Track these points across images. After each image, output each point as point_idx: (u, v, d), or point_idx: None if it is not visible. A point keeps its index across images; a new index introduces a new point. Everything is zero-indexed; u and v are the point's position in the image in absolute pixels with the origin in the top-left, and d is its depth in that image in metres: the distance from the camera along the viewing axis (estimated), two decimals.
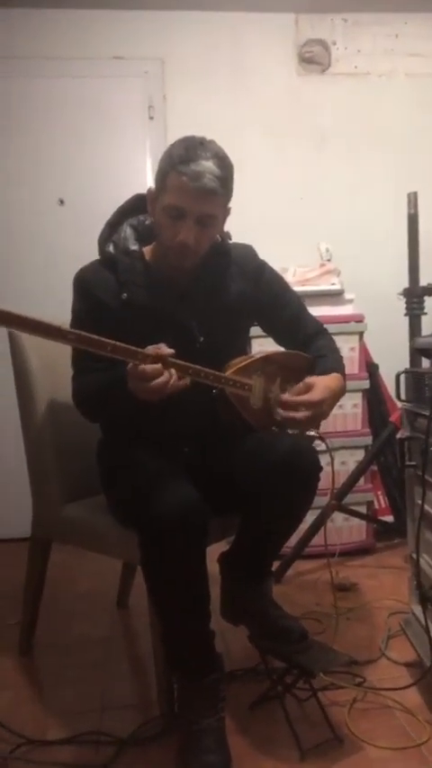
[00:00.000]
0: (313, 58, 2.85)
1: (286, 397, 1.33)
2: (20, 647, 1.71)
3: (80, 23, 2.68)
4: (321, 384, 1.34)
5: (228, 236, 1.49)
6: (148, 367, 1.17)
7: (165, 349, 1.20)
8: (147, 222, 1.42)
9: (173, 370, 1.19)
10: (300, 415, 1.30)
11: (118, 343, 1.16)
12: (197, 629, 1.26)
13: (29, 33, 2.65)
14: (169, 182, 1.29)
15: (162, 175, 1.31)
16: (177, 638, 1.28)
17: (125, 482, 1.33)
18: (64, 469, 1.62)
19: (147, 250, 1.42)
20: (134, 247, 1.40)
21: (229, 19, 2.76)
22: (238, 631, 1.52)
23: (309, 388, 1.33)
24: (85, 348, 1.16)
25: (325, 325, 1.58)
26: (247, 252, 1.51)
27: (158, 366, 1.18)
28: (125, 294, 1.36)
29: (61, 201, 2.72)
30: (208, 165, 1.26)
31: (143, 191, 1.41)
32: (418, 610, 1.53)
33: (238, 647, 1.62)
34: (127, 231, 1.42)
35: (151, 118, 2.74)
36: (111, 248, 1.40)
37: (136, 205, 1.44)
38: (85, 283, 1.39)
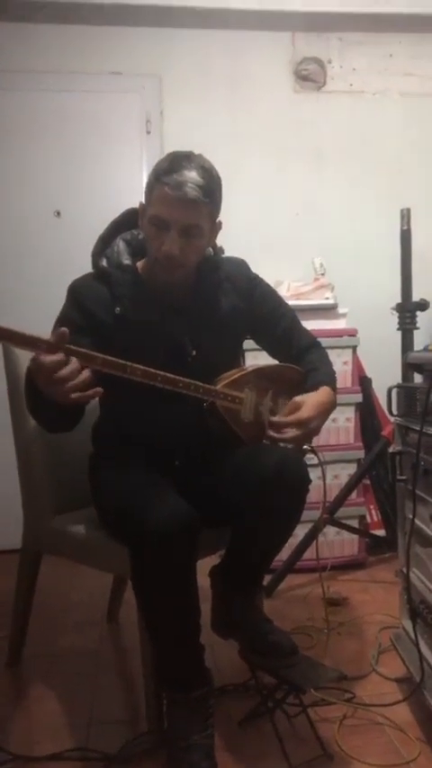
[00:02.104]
0: (309, 76, 2.90)
1: (275, 419, 1.34)
2: (8, 660, 1.69)
3: (78, 39, 2.71)
4: (310, 401, 1.35)
5: (221, 250, 1.50)
6: (47, 358, 1.08)
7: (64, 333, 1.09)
8: (140, 236, 1.43)
9: (73, 359, 1.10)
10: (289, 435, 1.31)
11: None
12: (187, 643, 1.25)
13: (26, 48, 2.68)
14: (154, 193, 1.30)
15: (149, 188, 1.33)
16: (167, 652, 1.27)
17: (116, 495, 1.33)
18: (55, 481, 1.61)
19: (140, 264, 1.42)
20: (127, 262, 1.41)
21: (226, 36, 2.80)
22: (229, 646, 1.51)
23: (297, 407, 1.34)
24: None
25: (318, 339, 1.59)
26: (240, 266, 1.52)
27: (59, 357, 1.09)
28: (118, 308, 1.36)
29: (58, 214, 2.73)
30: (191, 175, 1.27)
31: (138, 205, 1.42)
32: (408, 624, 1.52)
33: (228, 661, 1.61)
34: (120, 245, 1.43)
35: (148, 132, 2.77)
36: (104, 262, 1.41)
37: (129, 219, 1.45)
38: (79, 295, 1.39)
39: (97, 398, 1.46)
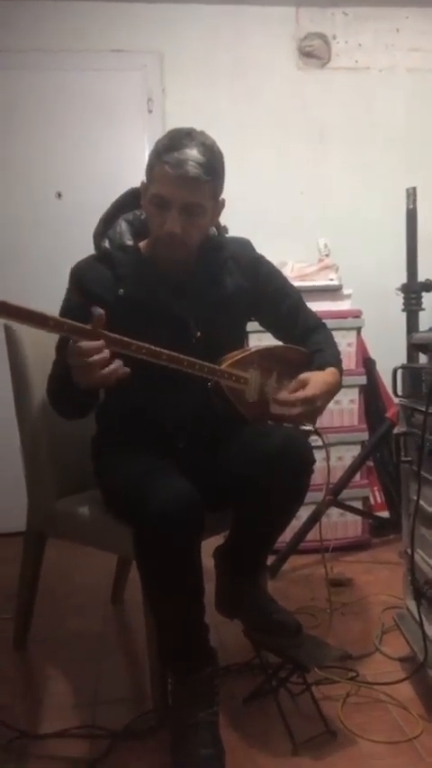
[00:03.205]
0: (313, 52, 2.84)
1: (280, 395, 1.33)
2: (14, 642, 1.71)
3: (78, 16, 2.66)
4: (316, 380, 1.34)
5: (225, 229, 1.48)
6: (85, 343, 1.12)
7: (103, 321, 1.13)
8: (142, 217, 1.41)
9: (106, 352, 1.13)
10: (294, 411, 1.30)
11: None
12: (192, 623, 1.26)
13: (26, 26, 2.63)
14: (154, 172, 1.28)
15: (150, 167, 1.31)
16: (172, 632, 1.28)
17: (119, 477, 1.33)
18: (59, 463, 1.61)
19: (142, 245, 1.41)
20: (129, 242, 1.39)
21: (229, 12, 2.74)
22: (233, 625, 1.52)
23: (303, 384, 1.33)
24: (66, 335, 1.14)
25: (323, 320, 1.57)
26: (244, 246, 1.50)
27: (99, 343, 1.12)
28: (121, 290, 1.35)
29: (59, 195, 2.70)
30: (192, 153, 1.25)
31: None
32: (412, 605, 1.53)
33: (232, 641, 1.62)
34: (122, 226, 1.41)
35: (150, 111, 2.73)
36: (106, 243, 1.39)
37: (131, 199, 1.43)
38: (80, 278, 1.38)
39: None
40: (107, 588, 2.01)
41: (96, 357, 1.12)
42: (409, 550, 1.50)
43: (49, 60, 2.65)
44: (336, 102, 2.84)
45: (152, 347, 1.21)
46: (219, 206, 1.37)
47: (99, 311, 1.13)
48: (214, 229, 1.44)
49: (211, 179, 1.28)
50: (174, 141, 1.26)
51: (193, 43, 2.74)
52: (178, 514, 1.14)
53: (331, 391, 1.38)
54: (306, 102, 2.83)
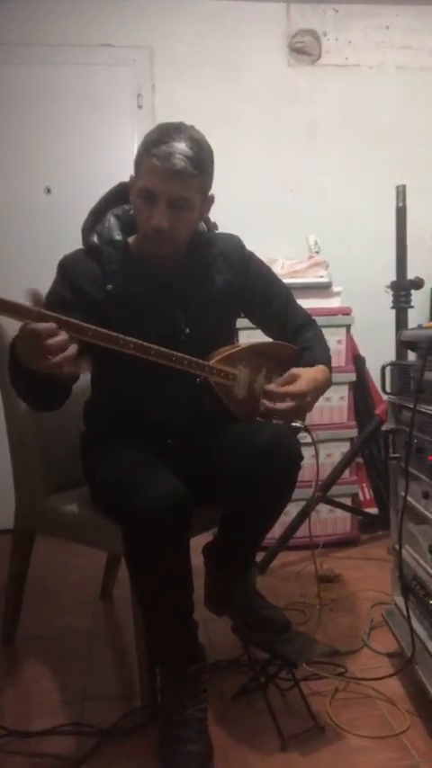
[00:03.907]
0: (304, 49, 2.84)
1: (270, 387, 1.32)
2: (2, 638, 1.70)
3: (68, 10, 2.64)
4: (306, 375, 1.34)
5: (214, 226, 1.48)
6: (41, 325, 1.06)
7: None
8: (131, 212, 1.40)
9: (63, 335, 1.07)
10: (283, 405, 1.30)
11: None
12: (180, 620, 1.26)
13: (15, 19, 2.61)
14: (142, 165, 1.28)
15: (138, 161, 1.30)
16: (160, 629, 1.28)
17: (108, 474, 1.32)
18: (47, 460, 1.60)
19: (131, 240, 1.40)
20: (118, 237, 1.38)
21: (219, 8, 2.73)
22: (222, 622, 1.53)
23: (293, 379, 1.33)
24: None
25: (313, 318, 1.57)
26: (234, 242, 1.50)
27: (52, 325, 1.07)
28: (110, 285, 1.34)
29: (48, 190, 2.69)
30: (180, 146, 1.24)
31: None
32: (400, 601, 1.54)
33: (221, 637, 1.62)
34: (111, 221, 1.40)
35: (140, 107, 2.72)
36: (95, 238, 1.38)
37: (121, 193, 1.42)
38: (70, 271, 1.37)
39: (89, 376, 1.46)
40: (96, 585, 2.00)
41: (51, 341, 1.06)
42: (397, 546, 1.51)
43: (38, 54, 2.63)
44: (326, 99, 2.84)
45: (140, 342, 1.20)
46: (207, 201, 1.37)
47: (35, 289, 1.08)
48: (204, 225, 1.44)
49: (198, 173, 1.27)
50: (162, 135, 1.25)
51: (184, 38, 2.73)
52: (167, 511, 1.14)
53: (320, 388, 1.38)
54: (296, 99, 2.83)
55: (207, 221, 1.45)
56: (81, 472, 1.47)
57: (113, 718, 1.34)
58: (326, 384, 1.41)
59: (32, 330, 1.06)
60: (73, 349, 1.09)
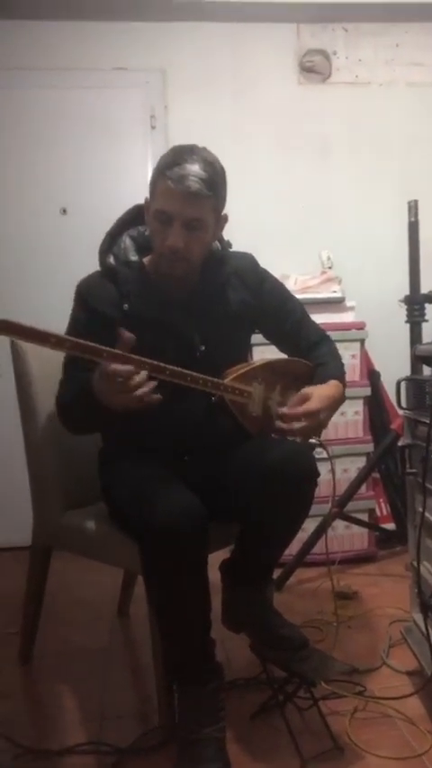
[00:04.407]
0: (314, 68, 2.87)
1: (283, 410, 1.33)
2: (20, 657, 1.70)
3: (81, 34, 2.70)
4: (317, 393, 1.35)
5: (228, 244, 1.50)
6: (120, 366, 1.13)
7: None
8: (146, 233, 1.43)
9: (143, 373, 1.16)
10: (297, 426, 1.31)
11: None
12: (198, 638, 1.26)
13: (30, 44, 2.68)
14: (157, 188, 1.30)
15: (153, 183, 1.33)
16: (178, 646, 1.27)
17: (126, 491, 1.33)
18: (65, 477, 1.62)
19: (147, 260, 1.42)
20: (134, 258, 1.41)
21: (230, 29, 2.78)
22: (240, 640, 1.52)
23: (305, 399, 1.34)
24: (68, 352, 1.16)
25: (327, 333, 1.58)
26: (248, 260, 1.51)
27: (131, 367, 1.14)
28: (126, 305, 1.36)
29: (64, 211, 2.74)
30: (193, 168, 1.27)
31: None
32: (419, 618, 1.52)
33: (239, 655, 1.61)
34: (126, 242, 1.43)
35: (153, 128, 2.77)
36: (111, 260, 1.41)
37: (136, 215, 1.45)
38: (86, 295, 1.40)
39: None
40: (113, 602, 2.00)
41: (137, 379, 1.14)
42: (415, 563, 1.50)
43: (53, 78, 2.69)
44: (337, 116, 2.87)
45: (155, 362, 1.22)
46: (221, 221, 1.39)
47: (129, 334, 1.15)
48: (218, 244, 1.46)
49: (212, 194, 1.30)
50: (176, 157, 1.28)
51: (196, 60, 2.78)
52: (184, 528, 1.15)
53: (335, 404, 1.38)
54: (307, 117, 2.86)
55: (221, 240, 1.47)
56: (98, 489, 1.48)
57: (131, 736, 1.33)
58: (340, 399, 1.41)
59: (115, 370, 1.12)
60: (151, 384, 1.15)
